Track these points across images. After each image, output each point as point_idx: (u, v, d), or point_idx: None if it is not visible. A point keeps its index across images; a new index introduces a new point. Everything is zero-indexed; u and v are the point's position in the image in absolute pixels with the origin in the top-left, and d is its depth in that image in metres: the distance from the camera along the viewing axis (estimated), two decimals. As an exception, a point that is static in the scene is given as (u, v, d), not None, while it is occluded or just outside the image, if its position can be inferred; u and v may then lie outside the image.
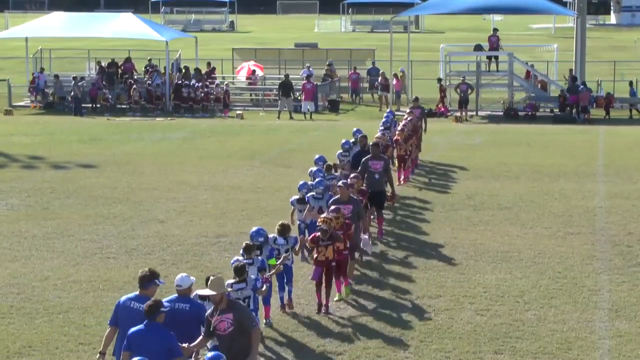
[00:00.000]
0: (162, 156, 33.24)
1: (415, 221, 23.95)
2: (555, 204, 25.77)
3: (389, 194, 23.15)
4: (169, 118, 44.21)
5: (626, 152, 34.33)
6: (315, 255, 17.25)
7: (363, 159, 22.63)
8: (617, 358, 15.18)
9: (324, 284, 17.24)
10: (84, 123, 42.42)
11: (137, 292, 12.60)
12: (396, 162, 28.41)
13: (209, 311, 12.40)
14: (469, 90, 44.75)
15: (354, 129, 26.88)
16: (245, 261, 15.30)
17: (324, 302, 17.20)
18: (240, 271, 14.62)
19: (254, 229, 16.59)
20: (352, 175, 21.11)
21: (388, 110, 36.34)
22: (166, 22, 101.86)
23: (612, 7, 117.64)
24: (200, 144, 36.23)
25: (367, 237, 19.71)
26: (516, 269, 19.81)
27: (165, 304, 11.99)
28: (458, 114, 44.40)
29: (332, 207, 18.04)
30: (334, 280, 17.51)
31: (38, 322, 16.59)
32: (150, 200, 26.08)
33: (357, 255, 19.23)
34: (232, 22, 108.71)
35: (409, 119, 29.65)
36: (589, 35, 53.24)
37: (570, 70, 49.18)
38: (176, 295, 12.78)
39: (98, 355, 12.74)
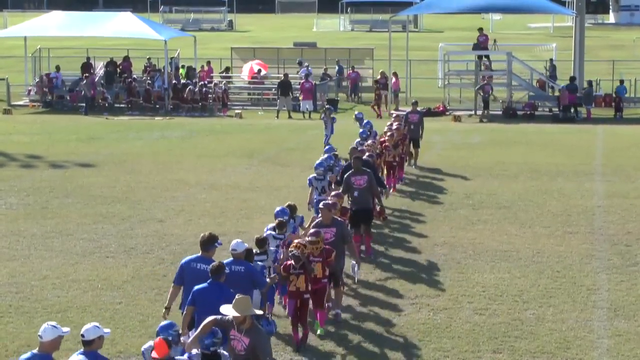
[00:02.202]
0: (161, 155, 33.24)
1: (413, 220, 23.94)
2: (554, 203, 25.77)
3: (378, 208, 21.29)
4: (167, 117, 44.22)
5: (624, 151, 34.34)
6: (287, 286, 15.67)
7: (345, 175, 20.84)
8: (616, 357, 15.18)
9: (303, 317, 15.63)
10: (83, 122, 42.40)
11: (199, 254, 14.07)
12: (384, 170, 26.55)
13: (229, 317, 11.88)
14: (491, 92, 44.73)
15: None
16: (278, 236, 16.77)
17: (300, 338, 15.46)
18: (261, 243, 15.97)
19: (278, 208, 17.83)
20: (332, 193, 19.51)
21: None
22: (165, 21, 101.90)
23: (610, 6, 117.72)
24: (198, 142, 36.22)
25: (354, 262, 18.05)
26: (515, 268, 19.81)
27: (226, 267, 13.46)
28: (480, 112, 44.37)
29: (311, 231, 16.33)
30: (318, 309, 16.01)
31: (37, 321, 16.55)
32: (149, 199, 26.08)
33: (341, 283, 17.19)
34: (230, 21, 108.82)
35: (395, 124, 28.38)
36: (587, 34, 53.22)
37: (551, 59, 49.59)
38: (232, 258, 14.40)
39: (164, 310, 14.20)
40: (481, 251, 21.03)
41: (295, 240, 15.80)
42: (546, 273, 19.45)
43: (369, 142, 25.33)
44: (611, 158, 32.95)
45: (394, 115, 31.47)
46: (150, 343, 11.26)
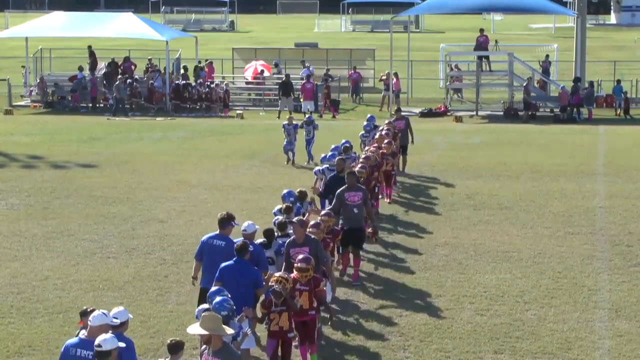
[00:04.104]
0: (162, 156, 33.24)
1: (415, 221, 23.94)
2: (555, 204, 25.77)
3: (368, 230, 19.74)
4: (168, 117, 44.22)
5: (626, 152, 34.33)
6: (267, 325, 14.03)
7: (338, 191, 19.24)
8: (617, 358, 15.19)
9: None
10: (83, 122, 42.38)
11: (217, 232, 15.38)
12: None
13: (202, 347, 11.32)
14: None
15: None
16: (286, 220, 17.15)
17: None
18: (282, 226, 16.71)
19: (285, 191, 18.89)
20: (323, 212, 18.21)
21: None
22: (166, 21, 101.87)
23: (612, 7, 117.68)
24: (200, 143, 36.23)
25: (329, 285, 16.37)
26: (516, 268, 19.81)
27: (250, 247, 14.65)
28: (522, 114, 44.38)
29: (302, 257, 14.48)
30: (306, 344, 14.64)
31: (38, 322, 16.59)
32: (150, 200, 26.09)
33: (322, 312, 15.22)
34: (232, 22, 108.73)
35: (387, 129, 27.36)
36: (589, 35, 53.23)
37: (547, 55, 49.56)
38: (242, 239, 15.22)
39: (192, 279, 15.82)
40: (482, 252, 21.03)
41: (277, 274, 14.27)
42: (547, 274, 19.45)
43: (372, 149, 24.72)
44: (613, 158, 32.93)
45: (385, 122, 31.01)
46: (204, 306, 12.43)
